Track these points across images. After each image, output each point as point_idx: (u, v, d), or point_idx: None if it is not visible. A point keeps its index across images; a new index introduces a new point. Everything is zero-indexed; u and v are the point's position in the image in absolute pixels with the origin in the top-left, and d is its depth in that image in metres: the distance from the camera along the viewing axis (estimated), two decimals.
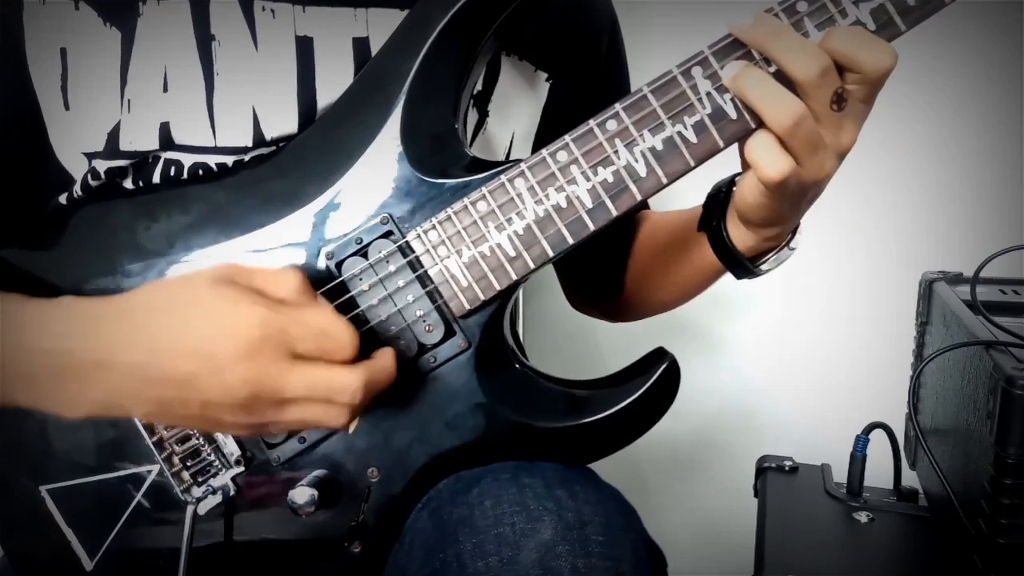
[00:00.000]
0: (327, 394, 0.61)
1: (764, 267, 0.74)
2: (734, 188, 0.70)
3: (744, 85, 0.62)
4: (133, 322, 0.61)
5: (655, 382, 0.71)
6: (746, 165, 0.66)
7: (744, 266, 0.73)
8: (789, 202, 0.66)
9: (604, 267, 0.93)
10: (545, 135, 0.84)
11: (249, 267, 0.64)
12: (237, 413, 0.60)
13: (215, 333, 0.59)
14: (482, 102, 0.80)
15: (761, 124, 0.63)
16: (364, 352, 0.64)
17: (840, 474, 1.06)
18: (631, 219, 0.92)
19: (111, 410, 0.62)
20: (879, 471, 1.06)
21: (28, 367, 0.61)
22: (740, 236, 0.71)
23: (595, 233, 0.68)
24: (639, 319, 0.98)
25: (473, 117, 0.79)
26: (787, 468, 1.09)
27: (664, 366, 0.72)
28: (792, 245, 0.74)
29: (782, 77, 0.62)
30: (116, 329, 0.61)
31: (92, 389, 0.60)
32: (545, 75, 0.84)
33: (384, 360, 0.66)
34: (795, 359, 1.37)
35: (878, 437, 1.05)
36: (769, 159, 0.62)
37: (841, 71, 0.61)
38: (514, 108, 0.82)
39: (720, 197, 0.72)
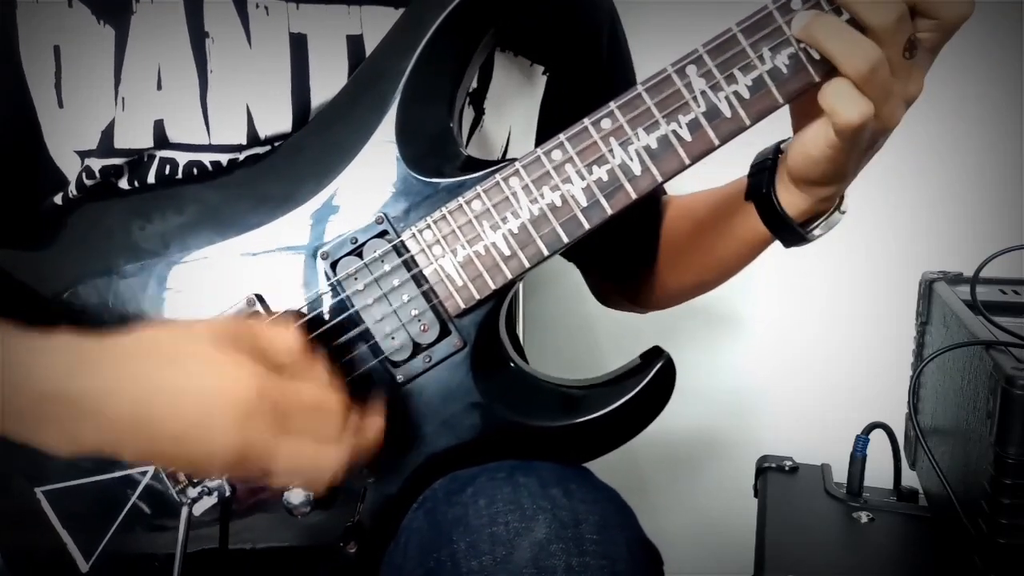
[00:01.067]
0: (311, 470, 0.61)
1: (816, 232, 0.73)
2: (781, 154, 0.70)
3: (818, 33, 0.61)
4: (128, 370, 0.60)
5: (650, 381, 0.71)
6: (801, 123, 0.66)
7: (796, 232, 0.72)
8: (856, 154, 0.65)
9: (632, 255, 0.92)
10: (545, 129, 0.84)
11: (251, 325, 0.64)
12: (224, 470, 0.64)
13: (211, 397, 0.58)
14: (478, 100, 0.80)
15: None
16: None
17: (840, 474, 1.06)
18: (654, 205, 0.91)
19: (100, 452, 0.61)
20: (879, 471, 1.05)
21: (17, 402, 0.60)
22: (793, 201, 0.71)
23: (590, 232, 0.68)
24: (676, 304, 0.97)
25: (469, 115, 0.79)
26: (787, 468, 1.09)
27: (660, 365, 0.71)
28: (843, 208, 0.73)
29: (853, 24, 0.61)
30: (112, 376, 0.60)
31: (83, 434, 0.60)
32: (542, 69, 0.84)
33: (370, 435, 0.65)
34: (795, 359, 1.36)
35: (878, 437, 1.05)
36: (849, 103, 0.61)
37: (913, 17, 0.61)
38: (510, 105, 0.82)
39: (767, 164, 0.71)
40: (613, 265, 0.96)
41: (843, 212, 0.73)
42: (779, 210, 0.71)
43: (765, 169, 0.71)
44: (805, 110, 0.66)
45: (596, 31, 0.87)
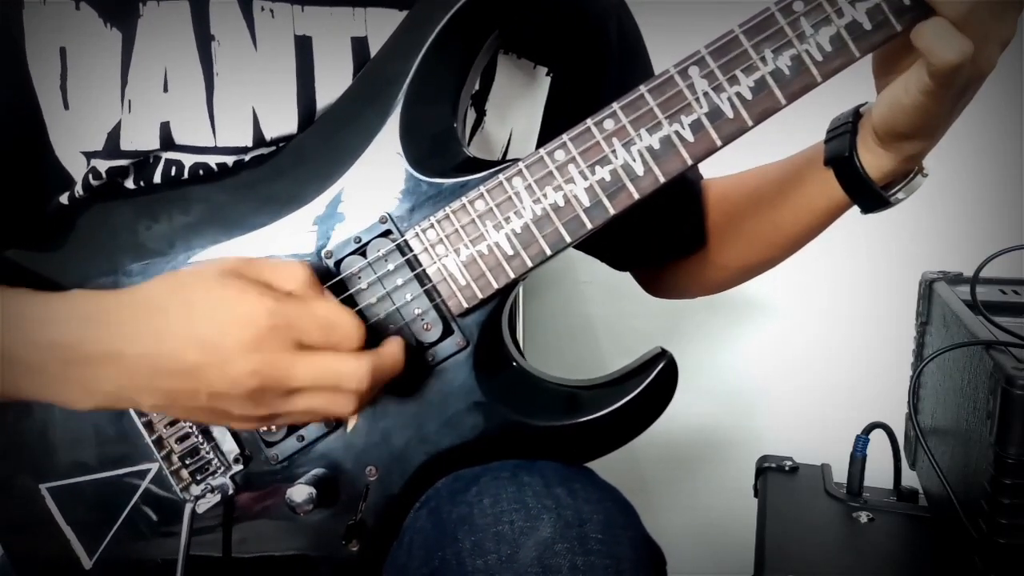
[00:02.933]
0: (334, 381, 0.61)
1: (899, 195, 0.73)
2: (860, 117, 0.70)
3: None
4: (141, 313, 0.62)
5: (652, 381, 0.71)
6: (886, 82, 0.66)
7: (877, 196, 0.72)
8: (948, 101, 0.64)
9: (676, 242, 0.92)
10: (550, 130, 0.84)
11: (257, 260, 0.65)
12: (245, 404, 0.61)
13: (223, 324, 0.60)
14: (479, 101, 0.80)
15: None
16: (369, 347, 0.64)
17: (840, 474, 1.06)
18: (691, 190, 0.90)
19: (119, 401, 0.63)
20: (879, 471, 1.06)
21: (36, 359, 0.62)
22: (877, 162, 0.70)
23: (592, 231, 0.69)
24: (740, 283, 0.96)
25: (471, 116, 0.79)
26: (787, 468, 1.09)
27: (661, 366, 0.72)
28: (926, 172, 0.73)
29: None
30: (124, 320, 0.62)
31: (100, 380, 0.61)
32: (545, 70, 0.84)
33: (391, 348, 0.66)
34: (795, 359, 1.37)
35: (878, 437, 1.05)
36: (947, 42, 0.60)
37: None
38: (512, 106, 0.82)
39: (848, 127, 0.71)
40: (657, 254, 0.95)
41: (925, 175, 0.73)
42: (862, 172, 0.70)
43: (846, 132, 0.71)
44: (890, 68, 0.66)
45: (602, 27, 0.87)
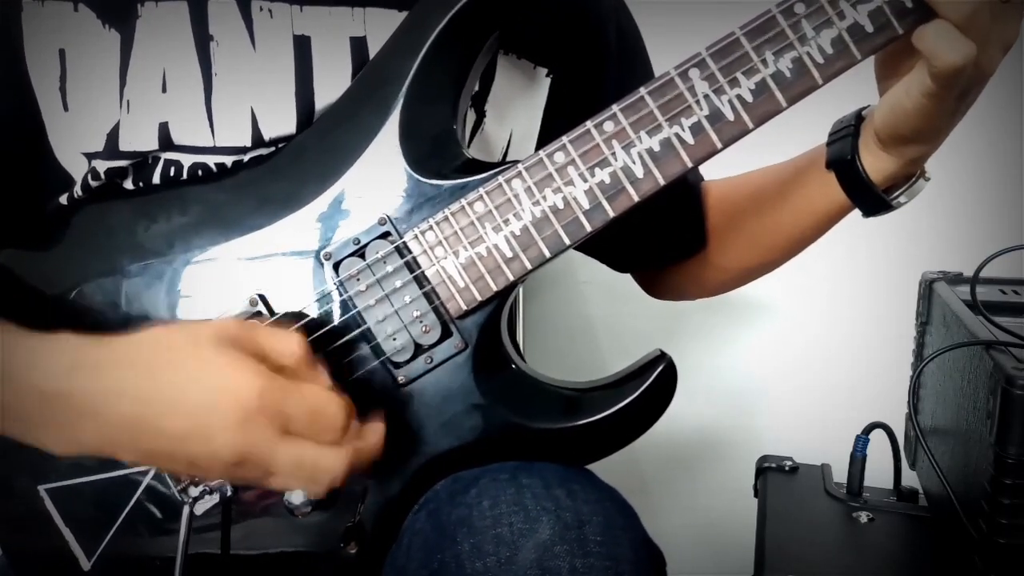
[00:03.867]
0: (311, 472, 0.61)
1: (901, 199, 0.72)
2: (862, 120, 0.70)
3: None
4: (129, 371, 0.60)
5: (651, 384, 0.71)
6: (888, 85, 0.66)
7: (879, 199, 0.72)
8: (950, 104, 0.64)
9: (676, 244, 0.92)
10: (550, 130, 0.84)
11: (254, 327, 0.64)
12: (223, 472, 0.61)
13: (212, 397, 0.59)
14: (479, 102, 0.80)
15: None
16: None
17: (840, 474, 1.06)
18: (691, 192, 0.90)
19: (99, 452, 0.62)
20: (879, 471, 1.06)
21: (21, 403, 0.61)
22: (878, 165, 0.70)
23: (591, 234, 0.68)
24: (741, 285, 0.96)
25: (470, 118, 0.79)
26: (787, 468, 1.09)
27: (661, 368, 0.71)
28: (927, 176, 0.72)
29: None
30: (112, 375, 0.60)
31: (84, 434, 0.60)
32: (546, 71, 0.84)
33: (372, 438, 0.65)
34: (795, 359, 1.37)
35: (878, 437, 1.05)
36: (950, 44, 0.60)
37: None
38: (512, 107, 0.82)
39: (849, 130, 0.71)
40: (657, 256, 0.95)
41: (927, 179, 0.73)
42: (863, 176, 0.70)
43: (848, 135, 0.71)
44: (892, 71, 0.66)
45: (601, 28, 0.87)
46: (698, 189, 0.91)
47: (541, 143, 0.83)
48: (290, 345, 0.63)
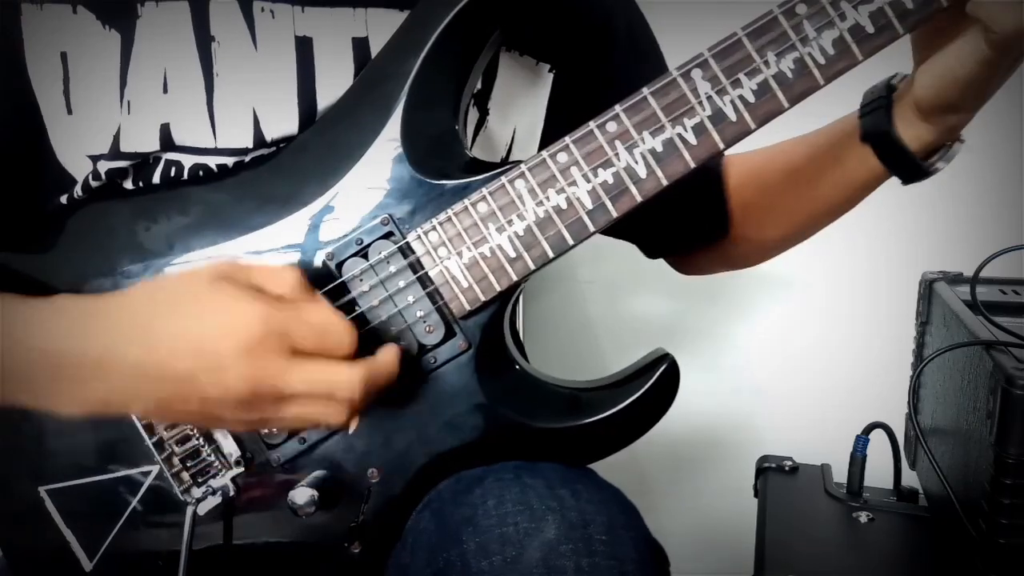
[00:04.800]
0: (327, 390, 0.61)
1: (939, 165, 0.72)
2: (895, 90, 0.70)
3: None
4: (131, 320, 0.61)
5: (654, 383, 0.71)
6: (927, 54, 0.65)
7: (918, 168, 0.71)
8: (1004, 67, 0.64)
9: (697, 224, 0.91)
10: (554, 126, 0.84)
11: (247, 263, 0.64)
12: (237, 410, 0.60)
13: (215, 330, 0.59)
14: (482, 100, 0.80)
15: None
16: (366, 353, 0.64)
17: (840, 474, 1.06)
18: (710, 171, 0.89)
19: (109, 408, 0.62)
20: (879, 471, 1.06)
21: (25, 367, 0.61)
22: (917, 134, 0.70)
23: (594, 233, 0.69)
24: (780, 253, 0.94)
25: (473, 116, 0.79)
26: (787, 468, 1.10)
27: (663, 367, 0.72)
28: (962, 138, 0.72)
29: None
30: (114, 327, 0.61)
31: (90, 387, 0.60)
32: (548, 67, 0.83)
33: (386, 356, 0.66)
34: (795, 359, 1.37)
35: (878, 437, 1.05)
36: (1010, 9, 0.59)
37: None
38: (515, 105, 0.82)
39: (882, 102, 0.71)
40: (680, 243, 0.95)
41: (962, 142, 0.72)
42: (902, 146, 0.70)
43: (881, 107, 0.70)
44: (931, 41, 0.65)
45: (607, 22, 0.86)
46: (718, 173, 0.90)
47: (545, 140, 0.83)
48: (285, 275, 0.63)
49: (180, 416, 0.65)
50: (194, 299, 0.60)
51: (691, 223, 0.91)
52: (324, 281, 0.70)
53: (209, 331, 0.59)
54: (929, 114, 0.68)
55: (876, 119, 0.71)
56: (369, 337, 0.69)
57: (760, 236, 0.91)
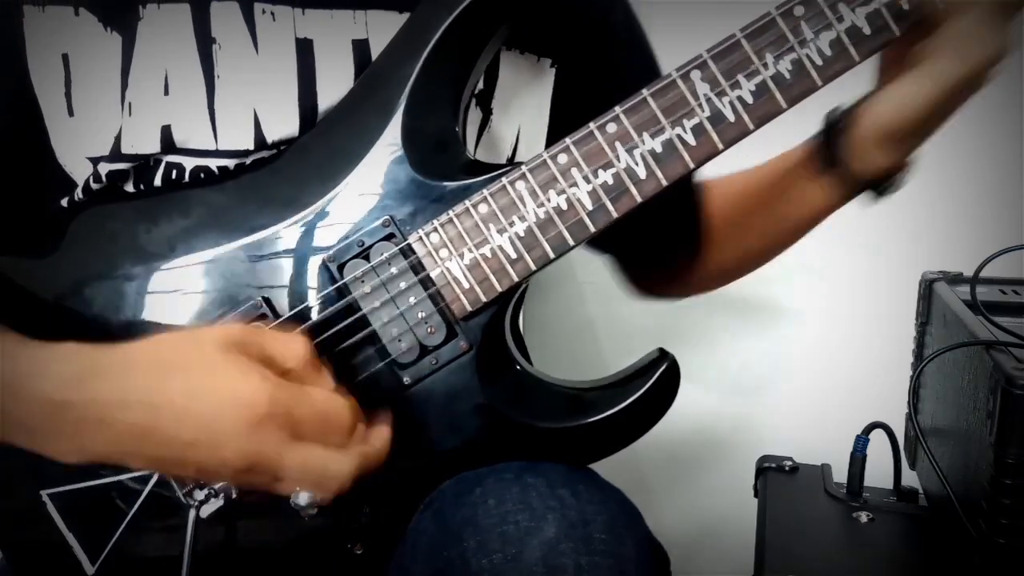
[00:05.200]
0: (319, 476, 0.61)
1: (891, 191, 0.73)
2: (851, 115, 0.70)
3: None
4: (136, 379, 0.60)
5: (655, 383, 0.71)
6: (890, 78, 0.66)
7: (871, 193, 0.73)
8: (965, 97, 0.65)
9: (673, 243, 0.92)
10: (559, 121, 0.84)
11: (259, 332, 0.64)
12: (232, 477, 0.62)
13: (221, 404, 0.59)
14: (485, 100, 0.80)
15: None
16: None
17: (840, 474, 1.06)
18: (689, 191, 0.90)
19: (108, 460, 0.62)
20: (879, 471, 1.05)
21: (24, 412, 0.61)
22: (875, 160, 0.71)
23: (595, 235, 0.69)
24: (732, 280, 0.97)
25: (477, 116, 0.79)
26: (787, 468, 1.09)
27: (664, 367, 0.72)
28: (911, 165, 0.73)
29: None
30: (120, 385, 0.60)
31: (91, 442, 0.60)
32: (550, 61, 0.83)
33: (378, 442, 0.66)
34: (795, 359, 1.37)
35: (878, 437, 1.05)
36: (982, 39, 0.61)
37: None
38: (518, 103, 0.82)
39: (840, 126, 0.72)
40: (654, 256, 0.96)
41: (910, 170, 0.73)
42: (856, 173, 0.71)
43: (840, 131, 0.71)
44: (897, 69, 0.66)
45: (605, 13, 0.87)
46: (696, 190, 0.91)
47: (551, 136, 0.83)
48: (295, 348, 0.63)
49: (175, 475, 0.67)
50: (202, 366, 0.60)
51: (666, 240, 0.91)
52: (326, 284, 0.70)
53: (215, 404, 0.59)
54: (888, 140, 0.69)
55: (834, 147, 0.72)
56: (371, 341, 0.70)
57: (717, 260, 0.92)
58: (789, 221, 0.82)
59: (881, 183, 0.73)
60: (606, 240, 0.87)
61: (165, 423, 0.59)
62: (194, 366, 0.60)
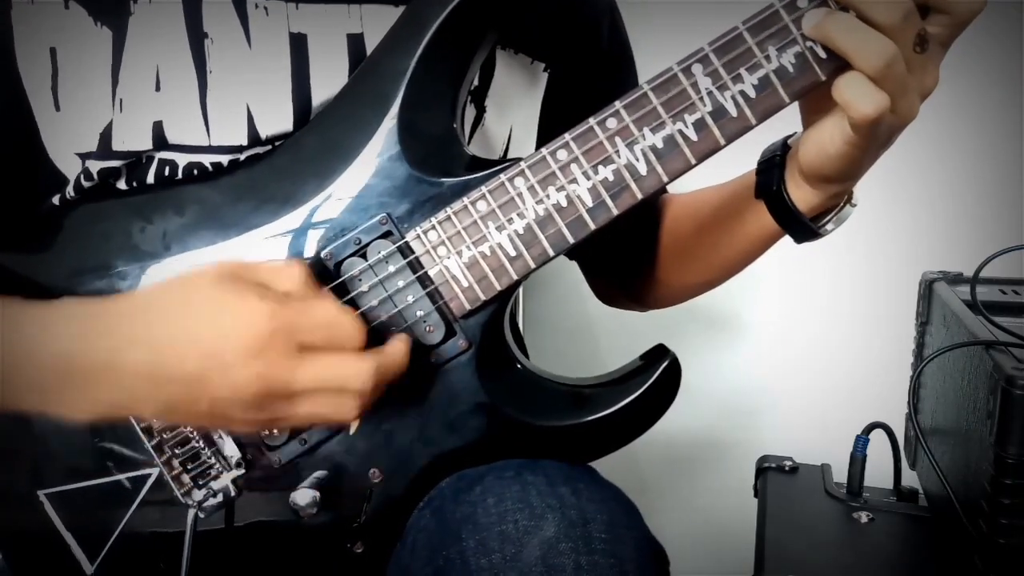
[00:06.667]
0: (338, 383, 0.60)
1: (828, 227, 0.72)
2: (789, 149, 0.70)
3: (831, 30, 0.61)
4: (138, 322, 0.60)
5: (656, 380, 0.71)
6: (812, 119, 0.65)
7: (808, 228, 0.71)
8: (872, 149, 0.65)
9: (632, 255, 0.92)
10: (547, 126, 0.84)
11: (252, 262, 0.64)
12: (247, 410, 0.60)
13: (223, 330, 0.59)
14: (479, 98, 0.80)
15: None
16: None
17: (840, 474, 1.06)
18: (652, 205, 0.90)
19: (119, 411, 0.62)
20: (879, 471, 1.06)
21: (33, 371, 0.60)
22: (804, 197, 0.70)
23: (595, 232, 0.68)
24: (680, 302, 0.96)
25: (470, 113, 0.79)
26: (787, 468, 1.09)
27: (665, 364, 0.72)
28: (854, 201, 0.72)
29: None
30: (121, 329, 0.60)
31: (100, 391, 0.60)
32: (543, 65, 0.83)
33: (395, 347, 0.65)
34: (795, 359, 1.37)
35: (878, 437, 1.05)
36: (865, 97, 0.60)
37: (924, 13, 0.60)
38: (512, 102, 0.82)
39: (776, 160, 0.71)
40: (614, 265, 0.96)
41: (854, 205, 0.73)
42: (791, 207, 0.70)
43: (774, 166, 0.71)
44: (816, 106, 0.65)
45: (596, 24, 0.87)
46: (658, 204, 0.91)
47: (540, 138, 0.83)
48: (290, 271, 0.63)
49: (189, 417, 0.64)
50: (200, 299, 0.60)
51: (623, 253, 0.91)
52: (323, 282, 0.69)
53: (216, 331, 0.59)
54: (811, 180, 0.68)
55: (768, 177, 0.71)
56: (371, 337, 0.69)
57: (667, 279, 0.91)
58: (736, 246, 0.81)
59: (820, 218, 0.72)
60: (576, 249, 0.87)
61: (171, 361, 0.59)
62: (191, 300, 0.60)
